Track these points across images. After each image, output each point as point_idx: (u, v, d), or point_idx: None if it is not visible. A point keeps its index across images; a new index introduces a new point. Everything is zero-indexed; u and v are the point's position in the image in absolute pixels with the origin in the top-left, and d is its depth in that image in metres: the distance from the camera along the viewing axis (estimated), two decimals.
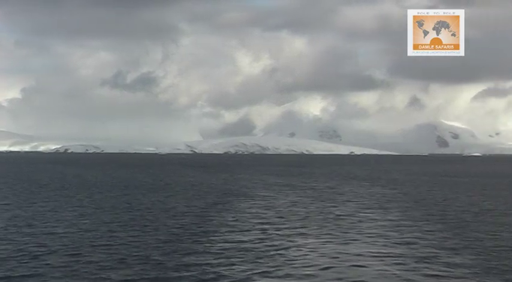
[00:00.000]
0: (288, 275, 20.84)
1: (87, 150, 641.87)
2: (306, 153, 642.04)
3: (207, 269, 21.43)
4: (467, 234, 30.06)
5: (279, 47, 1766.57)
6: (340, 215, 37.85)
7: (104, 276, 20.48)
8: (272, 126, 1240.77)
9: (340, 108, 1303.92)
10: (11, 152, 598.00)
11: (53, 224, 32.58)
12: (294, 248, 25.79)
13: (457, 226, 33.07)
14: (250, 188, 65.08)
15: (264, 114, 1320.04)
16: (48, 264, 22.21)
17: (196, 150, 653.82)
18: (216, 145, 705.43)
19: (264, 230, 31.00)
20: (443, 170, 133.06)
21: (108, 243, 26.60)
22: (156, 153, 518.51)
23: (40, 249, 24.95)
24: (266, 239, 28.19)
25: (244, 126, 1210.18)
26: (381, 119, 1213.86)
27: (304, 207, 42.87)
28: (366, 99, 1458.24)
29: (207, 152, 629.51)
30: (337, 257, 23.82)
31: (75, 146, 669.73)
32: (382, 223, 34.21)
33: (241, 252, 24.54)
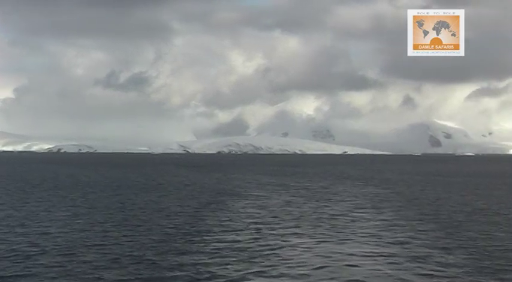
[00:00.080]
0: (282, 275, 20.86)
1: (80, 150, 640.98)
2: (299, 153, 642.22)
3: (201, 269, 21.44)
4: (460, 233, 30.15)
5: (272, 47, 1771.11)
6: (333, 215, 37.91)
7: (97, 276, 20.45)
8: (265, 126, 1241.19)
9: (333, 108, 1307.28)
10: (4, 151, 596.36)
11: (46, 224, 32.50)
12: (288, 248, 25.82)
13: (449, 225, 33.16)
14: (244, 187, 65.07)
15: (258, 114, 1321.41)
16: (41, 264, 22.17)
17: (189, 150, 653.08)
18: (210, 145, 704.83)
19: (257, 230, 31.02)
20: (436, 170, 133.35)
21: (101, 243, 26.57)
22: (149, 153, 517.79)
23: (33, 249, 24.90)
24: (260, 238, 28.21)
25: (238, 126, 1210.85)
26: (374, 118, 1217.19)
27: (298, 207, 42.91)
28: (359, 98, 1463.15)
29: (200, 151, 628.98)
30: (331, 257, 23.85)
31: (68, 145, 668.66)
32: (376, 223, 34.27)
33: (235, 252, 24.55)
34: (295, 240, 27.73)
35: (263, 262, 22.71)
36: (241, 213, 39.12)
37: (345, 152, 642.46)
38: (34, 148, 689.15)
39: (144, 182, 75.86)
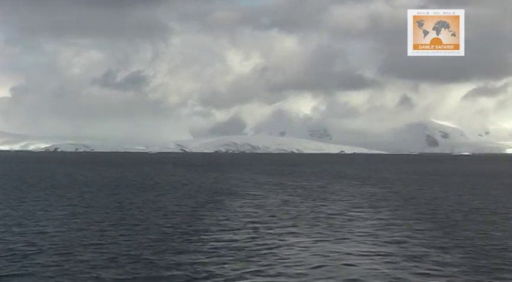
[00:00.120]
0: (279, 274, 20.88)
1: (77, 149, 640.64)
2: (296, 152, 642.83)
3: (198, 268, 21.44)
4: (457, 232, 30.20)
5: (269, 46, 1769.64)
6: (330, 214, 37.94)
7: (94, 275, 20.45)
8: (262, 125, 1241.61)
9: (330, 108, 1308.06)
10: (0, 151, 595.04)
11: (43, 223, 32.48)
12: (285, 247, 25.84)
13: (446, 225, 33.21)
14: (241, 187, 65.09)
15: (255, 113, 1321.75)
16: (38, 263, 22.15)
17: (186, 149, 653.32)
18: (207, 144, 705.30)
19: (255, 229, 31.03)
20: (433, 169, 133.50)
21: (99, 242, 26.56)
22: (146, 153, 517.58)
23: (30, 248, 24.88)
24: (257, 237, 28.23)
25: (235, 125, 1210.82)
26: (371, 118, 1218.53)
27: (295, 206, 42.94)
28: (356, 98, 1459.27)
29: (197, 151, 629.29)
30: (328, 256, 23.88)
31: (65, 145, 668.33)
32: (373, 222, 34.31)
33: (233, 251, 24.57)
34: (292, 240, 27.75)
35: (260, 261, 22.72)
36: (239, 212, 39.14)
37: (342, 152, 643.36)
38: (31, 147, 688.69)
39: (142, 181, 75.83)
